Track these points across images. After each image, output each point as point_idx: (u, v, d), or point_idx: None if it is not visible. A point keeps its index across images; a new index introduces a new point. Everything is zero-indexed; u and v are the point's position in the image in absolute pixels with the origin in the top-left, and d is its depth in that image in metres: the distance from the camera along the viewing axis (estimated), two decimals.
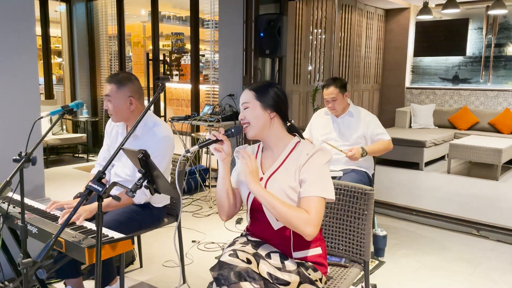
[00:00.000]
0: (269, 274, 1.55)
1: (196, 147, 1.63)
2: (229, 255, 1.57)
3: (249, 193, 1.72)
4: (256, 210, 1.73)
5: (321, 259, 1.72)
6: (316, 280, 1.64)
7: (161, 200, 2.49)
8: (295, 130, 1.78)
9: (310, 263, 1.68)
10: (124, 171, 2.42)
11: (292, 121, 1.81)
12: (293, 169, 1.67)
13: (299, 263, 1.66)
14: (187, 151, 1.61)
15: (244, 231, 1.87)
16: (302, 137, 1.79)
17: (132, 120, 2.38)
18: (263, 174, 1.73)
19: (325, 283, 1.74)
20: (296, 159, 1.68)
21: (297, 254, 1.69)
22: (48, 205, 2.23)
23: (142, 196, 2.35)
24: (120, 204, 2.28)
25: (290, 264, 1.63)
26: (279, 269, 1.59)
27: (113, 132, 2.56)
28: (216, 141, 1.67)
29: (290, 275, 1.58)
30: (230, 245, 1.72)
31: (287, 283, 1.56)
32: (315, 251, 1.71)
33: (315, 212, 1.58)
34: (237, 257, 1.56)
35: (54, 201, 2.25)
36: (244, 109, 1.72)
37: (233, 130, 1.72)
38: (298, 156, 1.68)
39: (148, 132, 2.33)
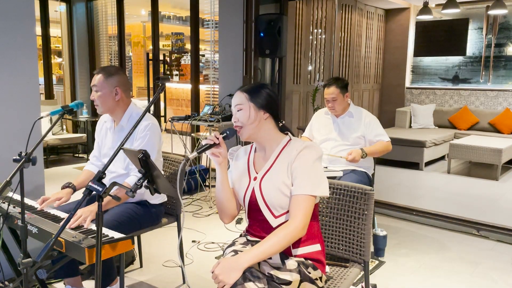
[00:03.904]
0: (270, 275, 1.56)
1: (195, 154, 1.63)
2: (231, 256, 1.57)
3: (245, 193, 1.73)
4: (254, 209, 1.73)
5: (320, 256, 1.73)
6: (316, 279, 1.65)
7: (157, 196, 2.50)
8: (287, 130, 1.79)
9: (310, 261, 1.69)
10: (115, 165, 2.44)
11: (284, 121, 1.82)
12: (285, 166, 1.68)
13: (299, 261, 1.66)
14: (187, 159, 1.62)
15: (243, 232, 1.87)
16: (293, 135, 1.80)
17: (117, 112, 2.43)
18: (257, 173, 1.75)
19: (326, 282, 1.74)
20: (287, 156, 1.69)
21: (296, 251, 1.69)
22: (39, 201, 2.26)
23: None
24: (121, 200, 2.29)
25: (290, 263, 1.63)
26: (279, 268, 1.60)
27: (102, 130, 2.60)
28: (214, 145, 1.68)
29: (291, 274, 1.59)
30: (230, 246, 1.73)
31: (289, 283, 1.56)
32: (314, 248, 1.72)
33: (303, 213, 1.60)
34: None
35: (43, 198, 2.27)
36: (238, 111, 1.72)
37: (228, 132, 1.72)
38: (289, 153, 1.70)
39: (133, 122, 2.35)
